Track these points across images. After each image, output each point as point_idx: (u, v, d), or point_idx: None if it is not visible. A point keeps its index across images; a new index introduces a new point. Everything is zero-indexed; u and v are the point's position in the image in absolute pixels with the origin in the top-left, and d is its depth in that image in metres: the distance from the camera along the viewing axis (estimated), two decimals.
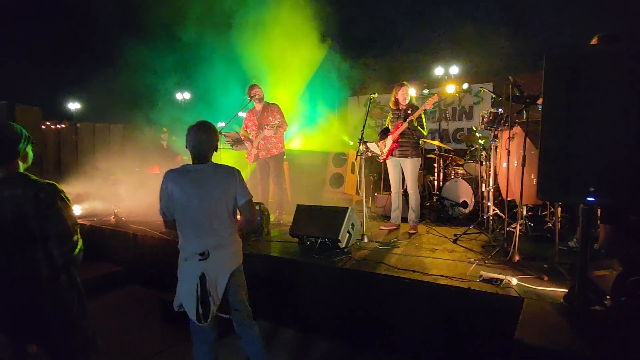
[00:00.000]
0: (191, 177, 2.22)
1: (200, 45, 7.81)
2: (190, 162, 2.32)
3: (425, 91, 8.04)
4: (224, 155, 5.12)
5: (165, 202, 2.26)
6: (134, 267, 4.79)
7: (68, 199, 1.95)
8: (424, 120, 4.57)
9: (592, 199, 1.95)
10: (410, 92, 4.63)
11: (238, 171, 2.35)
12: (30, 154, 2.00)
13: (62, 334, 1.95)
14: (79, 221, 2.26)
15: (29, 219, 1.82)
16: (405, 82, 4.66)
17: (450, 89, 6.95)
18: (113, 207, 5.54)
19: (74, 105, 13.10)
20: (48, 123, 11.81)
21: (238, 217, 2.43)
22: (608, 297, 2.30)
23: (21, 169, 1.94)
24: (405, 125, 4.45)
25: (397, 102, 4.66)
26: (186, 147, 2.27)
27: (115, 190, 5.98)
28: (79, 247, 1.96)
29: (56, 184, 1.93)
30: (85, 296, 2.07)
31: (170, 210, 2.28)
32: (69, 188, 5.72)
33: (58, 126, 11.88)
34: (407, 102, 4.61)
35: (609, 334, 2.11)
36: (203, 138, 2.24)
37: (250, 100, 4.96)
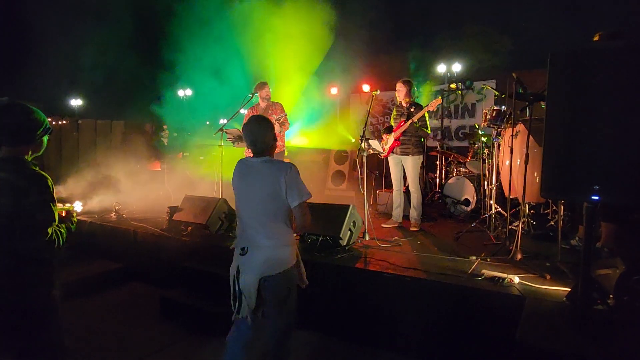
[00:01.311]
0: (244, 170, 2.20)
1: (202, 42, 7.79)
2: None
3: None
4: (225, 152, 5.11)
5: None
6: (134, 264, 4.79)
7: (51, 194, 1.88)
8: (427, 119, 4.55)
9: (597, 198, 1.93)
10: (406, 89, 4.55)
11: (291, 168, 2.13)
12: (45, 143, 2.01)
13: (21, 333, 1.85)
14: (81, 217, 2.23)
15: (1, 205, 1.77)
16: (406, 79, 4.62)
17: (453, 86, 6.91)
18: (114, 204, 5.54)
19: (75, 102, 13.12)
20: (50, 119, 11.84)
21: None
22: (611, 296, 2.28)
23: (28, 155, 1.92)
24: (407, 125, 4.44)
25: (399, 99, 4.64)
26: (247, 147, 2.26)
27: (116, 186, 5.98)
28: (55, 241, 1.87)
29: (46, 176, 1.88)
30: (56, 295, 1.97)
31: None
32: (70, 184, 5.73)
33: (59, 122, 11.91)
34: (407, 99, 4.58)
35: (612, 333, 2.09)
36: (254, 129, 2.18)
37: (253, 96, 4.96)
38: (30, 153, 1.94)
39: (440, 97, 4.57)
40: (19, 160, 1.88)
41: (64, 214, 2.15)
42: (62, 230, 1.97)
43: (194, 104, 10.21)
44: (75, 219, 2.20)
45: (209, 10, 7.72)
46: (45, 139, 1.99)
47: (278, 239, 2.15)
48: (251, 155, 2.25)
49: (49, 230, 1.86)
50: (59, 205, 2.13)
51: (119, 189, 5.95)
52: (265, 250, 2.12)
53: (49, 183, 1.88)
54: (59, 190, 5.28)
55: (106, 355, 3.16)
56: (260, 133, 2.18)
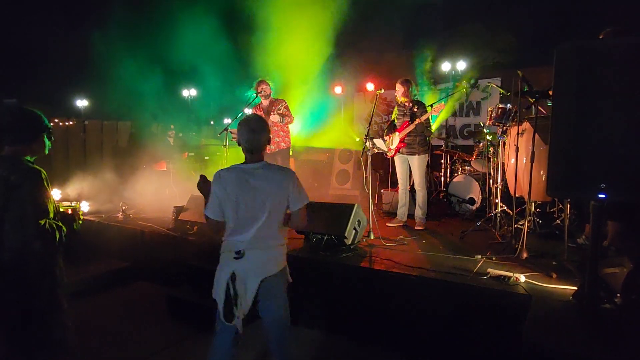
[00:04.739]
0: (240, 176, 2.14)
1: (207, 42, 7.82)
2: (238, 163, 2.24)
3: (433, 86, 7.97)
4: (229, 151, 5.13)
5: (214, 201, 2.18)
6: (141, 263, 4.82)
7: (43, 188, 1.90)
8: (430, 119, 4.55)
9: (604, 196, 1.92)
10: (404, 89, 4.56)
11: (293, 175, 2.21)
12: (47, 143, 2.06)
13: (19, 327, 1.86)
14: (88, 217, 2.25)
15: None
16: (405, 79, 4.61)
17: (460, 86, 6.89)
18: (121, 203, 5.58)
19: (81, 103, 13.21)
20: (56, 120, 11.94)
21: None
22: (618, 295, 2.27)
23: (29, 155, 1.97)
24: (412, 126, 4.46)
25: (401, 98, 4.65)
26: (238, 144, 2.20)
27: (122, 186, 6.03)
28: (49, 233, 1.87)
29: (40, 170, 1.92)
30: (61, 290, 1.98)
31: (218, 211, 2.18)
32: (77, 184, 5.78)
33: (66, 123, 12.01)
34: (406, 98, 4.57)
35: (619, 332, 2.08)
36: (257, 126, 2.14)
37: (257, 96, 4.94)
38: (31, 152, 1.99)
39: (442, 103, 4.57)
40: (16, 158, 1.93)
41: (70, 212, 2.17)
42: (61, 225, 1.97)
43: (199, 103, 10.25)
44: (81, 218, 2.22)
45: (213, 9, 7.74)
46: (46, 138, 2.04)
47: (280, 239, 2.23)
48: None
49: (42, 222, 1.86)
50: (66, 203, 2.16)
51: (126, 188, 6.00)
52: (268, 251, 2.17)
53: (42, 176, 1.92)
54: (66, 191, 5.34)
55: (113, 353, 3.19)
56: (261, 131, 2.14)
